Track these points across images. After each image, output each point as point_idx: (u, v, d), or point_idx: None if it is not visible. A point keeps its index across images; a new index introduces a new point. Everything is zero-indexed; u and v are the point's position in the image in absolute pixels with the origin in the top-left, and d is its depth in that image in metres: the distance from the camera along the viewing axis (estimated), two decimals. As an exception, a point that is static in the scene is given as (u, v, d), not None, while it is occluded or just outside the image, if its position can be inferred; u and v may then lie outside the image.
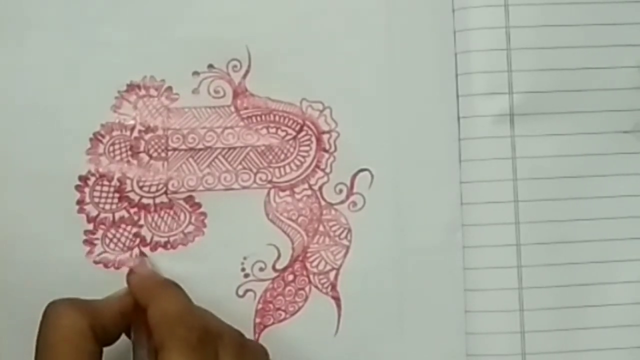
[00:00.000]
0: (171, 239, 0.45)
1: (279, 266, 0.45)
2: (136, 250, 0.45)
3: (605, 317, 0.45)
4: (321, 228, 0.45)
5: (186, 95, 0.46)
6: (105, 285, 0.44)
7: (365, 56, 0.46)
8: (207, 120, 0.45)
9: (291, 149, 0.46)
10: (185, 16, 0.46)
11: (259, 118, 0.46)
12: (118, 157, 0.45)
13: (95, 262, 0.45)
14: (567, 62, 0.45)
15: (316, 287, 0.45)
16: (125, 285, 0.42)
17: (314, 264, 0.45)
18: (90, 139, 0.45)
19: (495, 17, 0.45)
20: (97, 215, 0.45)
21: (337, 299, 0.45)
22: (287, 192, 0.45)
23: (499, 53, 0.45)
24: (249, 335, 0.44)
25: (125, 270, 0.44)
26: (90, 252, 0.45)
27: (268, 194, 0.45)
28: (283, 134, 0.46)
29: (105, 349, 0.39)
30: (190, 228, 0.45)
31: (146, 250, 0.45)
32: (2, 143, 0.45)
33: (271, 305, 0.45)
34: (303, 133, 0.46)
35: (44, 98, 0.45)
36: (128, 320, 0.41)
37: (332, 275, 0.45)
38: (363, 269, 0.45)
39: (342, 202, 0.45)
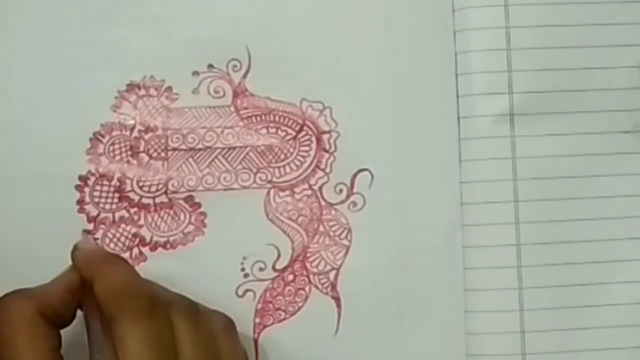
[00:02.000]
0: (171, 238, 0.45)
1: (278, 266, 0.45)
2: (136, 250, 0.45)
3: (605, 317, 0.45)
4: (321, 228, 0.45)
5: (186, 95, 0.46)
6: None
7: (365, 56, 0.46)
8: (207, 120, 0.45)
9: (291, 149, 0.46)
10: (185, 16, 0.46)
11: (258, 118, 0.46)
12: (118, 157, 0.45)
13: (95, 262, 0.44)
14: (567, 62, 0.45)
15: (316, 287, 0.45)
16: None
17: (314, 264, 0.45)
18: (90, 139, 0.45)
19: (495, 17, 0.45)
20: (97, 215, 0.45)
21: (337, 299, 0.45)
22: (287, 192, 0.45)
23: (499, 53, 0.45)
24: (249, 335, 0.44)
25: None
26: (90, 252, 0.45)
27: (268, 193, 0.45)
28: (283, 134, 0.46)
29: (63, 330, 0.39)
30: (190, 228, 0.45)
31: (146, 250, 0.45)
32: (2, 143, 0.45)
33: (271, 305, 0.45)
34: (303, 133, 0.46)
35: (43, 98, 0.45)
36: (77, 297, 0.40)
37: (332, 275, 0.45)
38: (363, 269, 0.45)
39: (342, 202, 0.45)
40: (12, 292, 0.39)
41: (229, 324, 0.41)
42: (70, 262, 0.41)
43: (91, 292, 0.39)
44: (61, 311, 0.39)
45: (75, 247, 0.41)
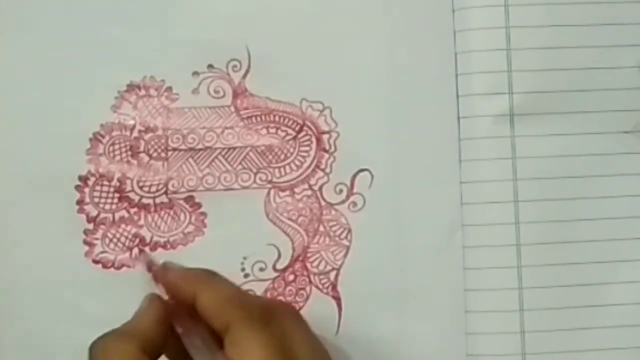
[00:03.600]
0: (171, 239, 0.45)
1: (279, 266, 0.45)
2: (136, 250, 0.45)
3: (605, 317, 0.45)
4: (321, 228, 0.45)
5: (186, 96, 0.46)
6: (104, 284, 0.44)
7: (365, 56, 0.46)
8: (207, 121, 0.45)
9: (291, 149, 0.46)
10: (185, 16, 0.46)
11: (258, 118, 0.46)
12: (118, 157, 0.45)
13: (95, 262, 0.45)
14: (567, 62, 0.45)
15: (317, 287, 0.45)
16: (125, 284, 0.42)
17: (315, 264, 0.45)
18: (90, 139, 0.45)
19: (495, 17, 0.45)
20: (97, 215, 0.45)
21: (337, 299, 0.45)
22: (287, 192, 0.45)
23: (499, 53, 0.45)
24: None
25: (125, 270, 0.44)
26: (89, 252, 0.45)
27: (268, 194, 0.45)
28: (283, 134, 0.46)
29: None
30: (190, 228, 0.45)
31: (146, 250, 0.45)
32: (2, 143, 0.45)
33: (271, 305, 0.45)
34: (303, 133, 0.46)
35: (44, 98, 0.45)
36: (168, 325, 0.39)
37: (332, 275, 0.45)
38: (363, 269, 0.45)
39: (342, 202, 0.45)
40: (108, 334, 0.38)
41: (300, 315, 0.41)
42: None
43: (186, 311, 0.39)
44: (160, 344, 0.38)
45: (163, 268, 0.41)
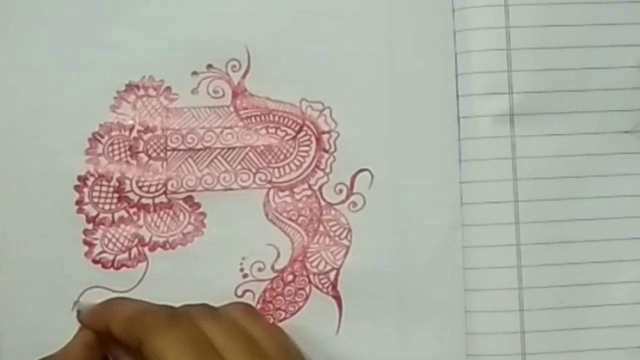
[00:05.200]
0: (170, 239, 0.45)
1: (278, 266, 0.45)
2: (135, 251, 0.45)
3: (605, 317, 0.45)
4: (321, 228, 0.45)
5: (185, 95, 0.46)
6: (103, 285, 0.44)
7: (365, 56, 0.46)
8: (206, 120, 0.45)
9: (291, 149, 0.46)
10: (184, 16, 0.46)
11: (258, 118, 0.46)
12: (117, 157, 0.45)
13: (95, 262, 0.44)
14: (567, 62, 0.45)
15: (316, 287, 0.45)
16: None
17: (314, 264, 0.45)
18: (89, 139, 0.45)
19: (495, 17, 0.45)
20: (97, 215, 0.45)
21: (337, 299, 0.45)
22: (287, 192, 0.45)
23: (499, 53, 0.45)
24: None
25: (124, 270, 0.44)
26: (89, 252, 0.44)
27: (267, 194, 0.45)
28: (282, 134, 0.46)
29: None
30: (190, 228, 0.45)
31: (145, 250, 0.45)
32: (1, 143, 0.45)
33: (270, 305, 0.45)
34: (303, 133, 0.46)
35: (43, 98, 0.45)
36: (96, 352, 0.42)
37: (332, 275, 0.45)
38: (363, 269, 0.45)
39: (342, 202, 0.45)
40: None
41: (248, 308, 0.43)
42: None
43: (111, 341, 0.40)
44: None
45: (78, 311, 0.43)
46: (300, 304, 0.45)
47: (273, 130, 0.46)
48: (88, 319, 0.43)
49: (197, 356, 0.37)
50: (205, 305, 0.42)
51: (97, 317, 0.42)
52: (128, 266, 0.45)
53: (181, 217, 0.45)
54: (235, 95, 0.46)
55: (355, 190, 0.45)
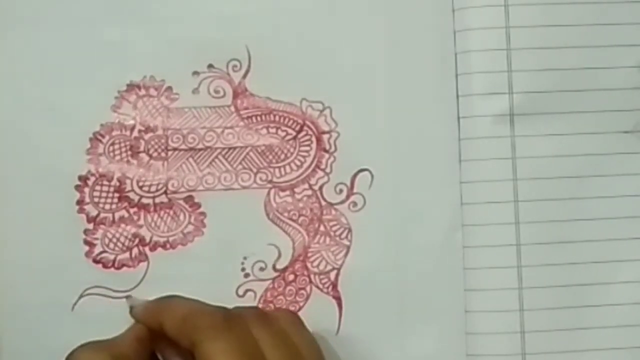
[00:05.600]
0: (171, 239, 0.45)
1: (279, 266, 0.45)
2: (135, 250, 0.45)
3: (605, 317, 0.45)
4: (322, 228, 0.45)
5: (186, 95, 0.46)
6: (104, 285, 0.44)
7: (365, 56, 0.46)
8: (207, 120, 0.45)
9: (291, 149, 0.46)
10: (185, 16, 0.46)
11: (259, 118, 0.46)
12: (118, 157, 0.45)
13: (95, 262, 0.44)
14: (567, 62, 0.45)
15: (317, 286, 0.45)
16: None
17: (315, 263, 0.45)
18: (90, 139, 0.45)
19: (495, 17, 0.45)
20: (97, 215, 0.45)
21: (338, 299, 0.45)
22: (287, 192, 0.45)
23: (499, 53, 0.45)
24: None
25: (125, 270, 0.44)
26: (89, 252, 0.44)
27: (268, 193, 0.45)
28: (283, 134, 0.46)
29: None
30: (190, 228, 0.45)
31: (146, 250, 0.45)
32: (2, 143, 0.45)
33: (272, 305, 0.45)
34: (303, 133, 0.46)
35: (43, 98, 0.45)
36: (148, 346, 0.42)
37: (332, 275, 0.45)
38: (363, 269, 0.45)
39: (342, 202, 0.45)
40: (83, 345, 0.40)
41: (295, 318, 0.43)
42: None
43: (164, 339, 0.40)
44: (132, 358, 0.40)
45: (131, 309, 0.43)
46: (301, 303, 0.45)
47: (274, 130, 0.46)
48: (141, 315, 0.43)
49: None
50: (256, 308, 0.43)
51: (151, 314, 0.42)
52: (129, 266, 0.45)
53: (182, 217, 0.45)
54: (236, 95, 0.46)
55: (355, 190, 0.45)
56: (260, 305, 0.45)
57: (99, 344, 0.40)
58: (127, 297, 0.44)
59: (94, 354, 0.39)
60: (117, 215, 0.45)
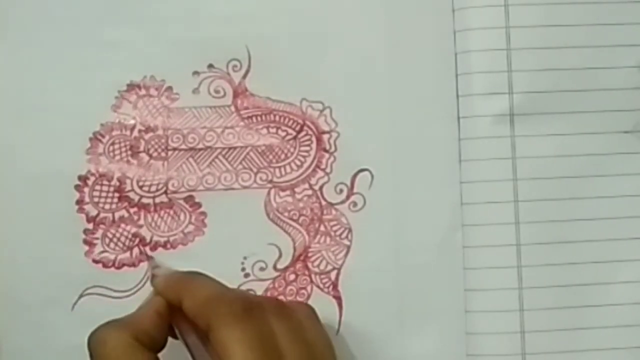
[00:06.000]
0: (171, 238, 0.45)
1: (280, 266, 0.45)
2: (136, 250, 0.45)
3: (605, 317, 0.45)
4: (322, 228, 0.45)
5: (186, 95, 0.46)
6: (104, 285, 0.44)
7: (365, 56, 0.46)
8: (207, 120, 0.45)
9: (291, 149, 0.46)
10: (185, 16, 0.46)
11: (259, 118, 0.46)
12: (118, 157, 0.45)
13: (95, 262, 0.44)
14: (567, 62, 0.45)
15: (317, 286, 0.45)
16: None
17: (315, 263, 0.45)
18: (90, 139, 0.45)
19: (495, 17, 0.45)
20: (97, 215, 0.45)
21: (338, 299, 0.45)
22: (288, 192, 0.45)
23: (499, 53, 0.45)
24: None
25: (125, 270, 0.44)
26: (89, 252, 0.44)
27: (268, 193, 0.45)
28: (283, 134, 0.46)
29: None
30: (190, 228, 0.45)
31: (146, 249, 0.45)
32: (2, 143, 0.45)
33: (272, 305, 0.45)
34: (303, 133, 0.46)
35: (43, 98, 0.45)
36: (167, 319, 0.41)
37: (333, 274, 0.45)
38: (364, 269, 0.45)
39: (342, 202, 0.45)
40: (104, 324, 0.39)
41: (311, 311, 0.42)
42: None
43: (180, 313, 0.40)
44: (155, 335, 0.39)
45: (153, 276, 0.43)
46: (301, 303, 0.45)
47: (274, 130, 0.46)
48: (163, 287, 0.41)
49: (262, 356, 0.37)
50: (276, 300, 0.43)
51: (172, 288, 0.41)
52: (129, 266, 0.45)
53: (182, 216, 0.45)
54: (236, 95, 0.46)
55: (355, 190, 0.45)
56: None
57: (120, 321, 0.39)
58: (148, 258, 0.44)
59: (116, 332, 0.38)
60: (117, 215, 0.45)
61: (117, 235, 0.45)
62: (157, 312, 0.40)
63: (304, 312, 0.42)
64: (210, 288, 0.40)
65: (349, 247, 0.45)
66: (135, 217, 0.45)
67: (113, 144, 0.45)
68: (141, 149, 0.45)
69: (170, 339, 0.40)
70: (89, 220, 0.45)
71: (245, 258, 0.45)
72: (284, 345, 0.38)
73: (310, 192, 0.45)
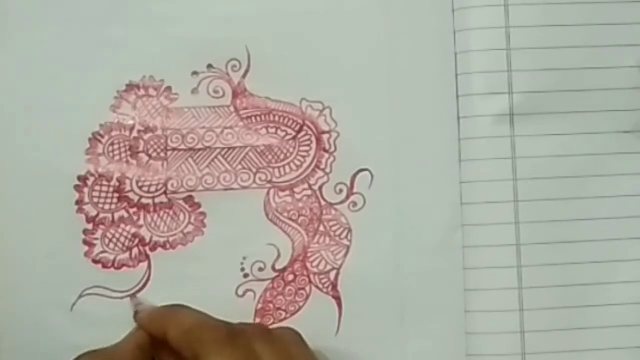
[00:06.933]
0: (171, 239, 0.45)
1: (278, 266, 0.45)
2: (135, 251, 0.45)
3: (605, 317, 0.45)
4: (322, 228, 0.45)
5: (185, 95, 0.46)
6: (104, 285, 0.44)
7: (365, 56, 0.46)
8: (206, 121, 0.45)
9: (291, 149, 0.46)
10: (185, 16, 0.46)
11: (258, 118, 0.46)
12: (117, 157, 0.45)
13: (95, 262, 0.44)
14: (567, 62, 0.45)
15: (317, 287, 0.45)
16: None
17: (315, 263, 0.45)
18: (90, 139, 0.45)
19: (495, 17, 0.45)
20: (97, 215, 0.45)
21: (338, 299, 0.45)
22: (287, 192, 0.45)
23: (499, 53, 0.45)
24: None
25: (125, 270, 0.44)
26: (89, 252, 0.44)
27: (268, 194, 0.45)
28: (283, 134, 0.46)
29: None
30: (190, 228, 0.45)
31: (146, 250, 0.45)
32: (1, 143, 0.45)
33: (271, 305, 0.45)
34: (303, 133, 0.46)
35: (43, 98, 0.45)
36: (149, 354, 0.41)
37: (332, 275, 0.45)
38: (363, 269, 0.45)
39: (342, 202, 0.45)
40: (84, 354, 0.40)
41: (297, 336, 0.42)
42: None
43: (165, 346, 0.40)
44: None
45: (136, 313, 0.43)
46: (301, 303, 0.45)
47: (273, 130, 0.46)
48: (146, 321, 0.42)
49: None
50: (260, 325, 0.43)
51: (157, 321, 0.42)
52: (129, 266, 0.45)
53: (181, 217, 0.45)
54: (235, 95, 0.46)
55: (355, 190, 0.45)
56: (259, 306, 0.45)
57: (99, 352, 0.40)
58: (131, 296, 0.44)
59: None
60: (116, 215, 0.45)
61: (117, 235, 0.45)
62: (138, 347, 0.41)
63: (290, 336, 0.42)
64: (194, 317, 0.41)
65: (348, 247, 0.45)
66: (135, 218, 0.45)
67: (112, 144, 0.45)
68: (140, 149, 0.45)
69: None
70: (88, 220, 0.45)
71: (244, 258, 0.45)
72: None
73: (309, 192, 0.45)
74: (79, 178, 0.45)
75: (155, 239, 0.45)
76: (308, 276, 0.45)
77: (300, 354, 0.41)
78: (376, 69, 0.46)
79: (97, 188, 0.45)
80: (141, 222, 0.45)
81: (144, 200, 0.45)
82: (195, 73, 0.46)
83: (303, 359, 0.41)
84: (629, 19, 0.45)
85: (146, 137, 0.45)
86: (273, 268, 0.45)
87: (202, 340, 0.39)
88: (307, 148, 0.46)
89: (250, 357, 0.39)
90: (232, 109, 0.46)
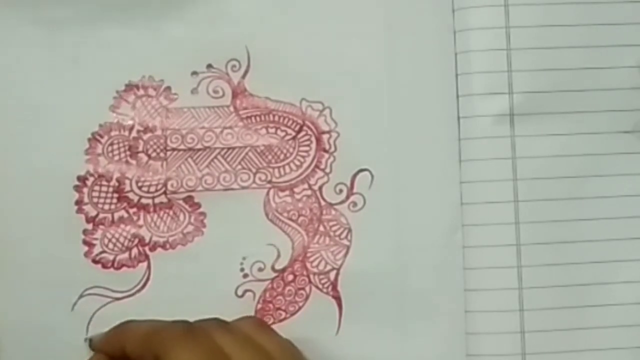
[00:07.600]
0: (170, 239, 0.45)
1: (278, 266, 0.45)
2: (135, 251, 0.45)
3: (605, 317, 0.45)
4: (321, 228, 0.45)
5: (185, 95, 0.45)
6: (104, 285, 0.44)
7: (365, 56, 0.46)
8: (206, 120, 0.45)
9: (291, 149, 0.46)
10: (184, 16, 0.46)
11: (258, 118, 0.46)
12: (117, 157, 0.45)
13: (95, 262, 0.44)
14: (567, 62, 0.45)
15: (316, 287, 0.45)
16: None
17: (314, 263, 0.45)
18: (89, 139, 0.45)
19: (495, 17, 0.45)
20: (96, 216, 0.45)
21: (337, 299, 0.45)
22: (287, 192, 0.45)
23: (499, 53, 0.45)
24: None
25: (124, 270, 0.44)
26: (89, 252, 0.44)
27: (267, 194, 0.45)
28: (282, 134, 0.46)
29: None
30: (190, 228, 0.45)
31: (145, 250, 0.45)
32: (1, 143, 0.45)
33: (271, 305, 0.45)
34: (303, 133, 0.46)
35: (42, 98, 0.45)
36: None
37: (332, 275, 0.45)
38: (363, 269, 0.45)
39: (342, 202, 0.45)
40: None
41: (259, 322, 0.43)
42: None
43: None
44: None
45: (90, 340, 0.43)
46: (301, 304, 0.45)
47: (273, 130, 0.46)
48: (102, 345, 0.43)
49: None
50: (217, 319, 0.42)
51: (111, 341, 0.42)
52: (128, 266, 0.44)
53: (181, 217, 0.45)
54: (235, 95, 0.46)
55: (355, 190, 0.45)
56: (259, 306, 0.45)
57: None
58: (86, 340, 0.44)
59: None
60: (116, 215, 0.45)
61: (117, 235, 0.45)
62: None
63: (250, 325, 0.42)
64: (146, 324, 0.41)
65: (348, 248, 0.45)
66: (135, 218, 0.45)
67: (112, 144, 0.45)
68: (140, 149, 0.45)
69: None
70: (88, 220, 0.45)
71: (244, 258, 0.45)
72: (234, 354, 0.39)
73: (309, 192, 0.45)
74: (79, 178, 0.45)
75: (154, 239, 0.45)
76: (308, 276, 0.45)
77: (263, 336, 0.41)
78: (376, 69, 0.46)
79: (97, 188, 0.45)
80: (141, 222, 0.45)
81: (143, 200, 0.45)
82: (194, 73, 0.46)
83: (267, 339, 0.41)
84: (629, 19, 0.45)
85: (145, 137, 0.45)
86: (273, 268, 0.45)
87: (160, 341, 0.39)
88: (306, 148, 0.46)
89: (212, 348, 0.38)
90: (231, 109, 0.46)
